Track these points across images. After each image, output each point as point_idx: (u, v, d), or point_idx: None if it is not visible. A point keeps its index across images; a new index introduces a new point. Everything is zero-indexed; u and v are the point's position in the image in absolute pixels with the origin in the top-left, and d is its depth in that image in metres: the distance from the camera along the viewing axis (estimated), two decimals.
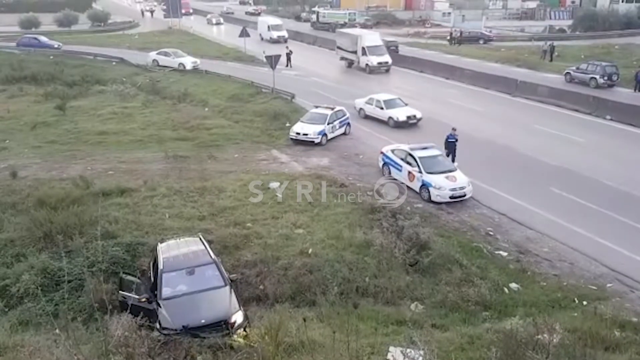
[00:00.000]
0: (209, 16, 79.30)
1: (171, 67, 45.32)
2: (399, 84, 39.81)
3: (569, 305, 14.27)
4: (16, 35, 66.88)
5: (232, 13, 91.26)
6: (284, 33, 61.87)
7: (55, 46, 51.11)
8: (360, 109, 31.64)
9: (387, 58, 45.06)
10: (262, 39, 62.28)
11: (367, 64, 44.49)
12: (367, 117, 30.95)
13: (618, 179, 21.67)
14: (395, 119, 29.48)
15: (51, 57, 52.03)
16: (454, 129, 23.81)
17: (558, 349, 9.76)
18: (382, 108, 30.37)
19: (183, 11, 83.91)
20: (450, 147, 23.35)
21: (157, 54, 47.17)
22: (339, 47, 48.43)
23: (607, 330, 11.79)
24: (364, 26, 70.61)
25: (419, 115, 29.94)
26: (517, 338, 10.31)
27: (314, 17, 74.42)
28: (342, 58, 47.83)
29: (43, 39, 52.31)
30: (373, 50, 44.68)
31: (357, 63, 45.73)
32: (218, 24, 78.86)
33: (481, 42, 60.09)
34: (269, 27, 62.70)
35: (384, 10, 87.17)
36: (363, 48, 44.67)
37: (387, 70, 45.16)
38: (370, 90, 35.03)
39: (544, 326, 10.51)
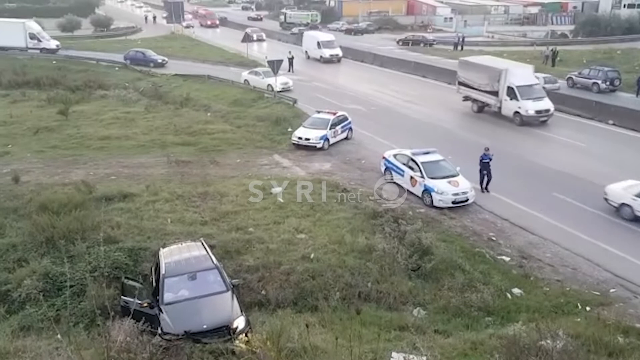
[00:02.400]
0: (249, 30, 63.04)
1: (260, 88, 39.30)
2: (401, 89, 39.82)
3: (572, 311, 14.22)
4: None
5: (225, 18, 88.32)
6: (338, 51, 52.85)
7: (159, 61, 49.57)
8: None
9: (546, 104, 31.06)
10: (308, 57, 54.15)
11: (517, 112, 30.77)
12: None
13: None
14: None
15: (54, 62, 52.22)
16: (487, 149, 21.72)
17: (561, 355, 9.72)
18: None
19: (209, 22, 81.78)
20: (485, 167, 21.47)
21: (249, 73, 41.59)
22: (461, 83, 34.55)
23: (610, 336, 11.72)
24: (349, 31, 74.25)
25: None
26: (520, 344, 10.28)
27: (282, 17, 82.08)
28: (468, 98, 34.26)
29: (148, 52, 50.30)
30: (525, 92, 30.86)
31: (496, 107, 31.95)
32: (260, 40, 65.53)
33: (421, 45, 63.30)
34: (319, 43, 52.92)
35: (386, 16, 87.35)
36: (510, 88, 31.02)
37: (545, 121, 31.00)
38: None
39: (547, 332, 10.49)
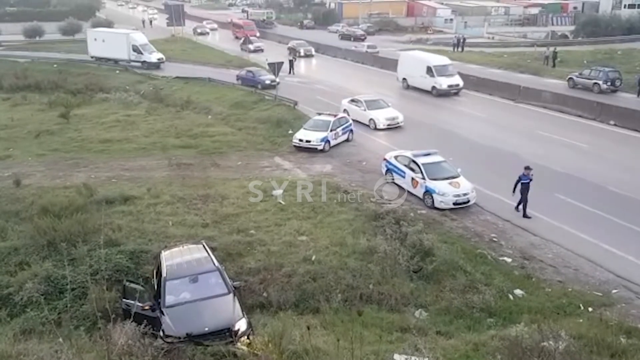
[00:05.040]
0: (294, 44, 58.52)
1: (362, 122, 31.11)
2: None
3: (574, 312, 14.17)
4: (20, 45, 67.52)
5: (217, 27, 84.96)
6: (458, 80, 38.52)
7: (267, 82, 40.28)
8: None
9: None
10: (407, 86, 40.33)
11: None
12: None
13: (622, 184, 21.58)
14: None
15: (55, 65, 52.33)
16: (527, 168, 19.60)
17: (564, 356, 9.69)
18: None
19: (248, 35, 67.44)
20: (524, 190, 19.48)
21: (350, 102, 32.39)
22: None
23: (613, 337, 11.69)
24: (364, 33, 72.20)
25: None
26: (523, 345, 10.25)
27: (247, 15, 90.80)
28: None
29: (258, 73, 41.75)
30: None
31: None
32: (308, 55, 57.04)
33: (352, 39, 67.03)
34: (431, 69, 38.19)
35: (386, 17, 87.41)
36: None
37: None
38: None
39: (550, 333, 10.46)
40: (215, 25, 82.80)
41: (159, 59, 52.33)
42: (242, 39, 65.11)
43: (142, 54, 52.03)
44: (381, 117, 30.32)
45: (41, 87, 42.73)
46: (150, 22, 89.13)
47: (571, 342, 10.50)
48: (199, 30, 78.47)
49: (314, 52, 57.66)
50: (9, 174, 23.76)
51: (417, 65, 39.40)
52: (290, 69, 46.56)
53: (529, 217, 19.56)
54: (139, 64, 51.80)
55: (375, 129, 29.99)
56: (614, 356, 11.10)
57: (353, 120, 29.84)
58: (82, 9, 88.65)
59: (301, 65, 51.93)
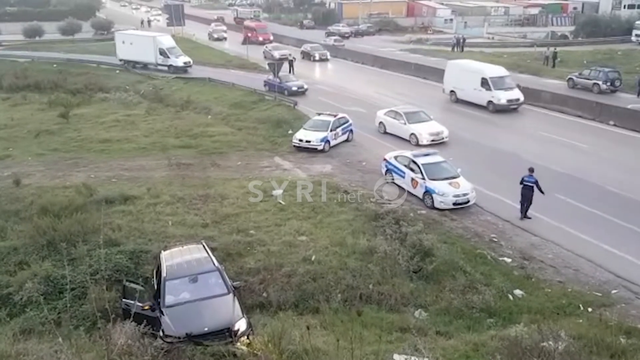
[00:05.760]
0: (307, 47, 55.44)
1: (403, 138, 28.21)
2: (403, 90, 39.83)
3: (574, 312, 14.18)
4: (20, 44, 67.45)
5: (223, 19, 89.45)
6: (518, 94, 33.67)
7: (294, 89, 38.34)
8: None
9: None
10: (456, 99, 35.80)
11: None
12: None
13: (622, 185, 21.59)
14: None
15: (54, 65, 52.32)
16: (531, 170, 19.44)
17: (563, 356, 9.69)
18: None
19: (260, 38, 64.94)
20: (528, 193, 19.25)
21: (387, 114, 29.59)
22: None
23: (612, 337, 11.69)
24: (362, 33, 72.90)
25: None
26: (522, 345, 10.25)
27: (234, 13, 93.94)
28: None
29: (285, 78, 39.46)
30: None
31: None
32: (323, 59, 54.15)
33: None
34: (486, 81, 33.44)
35: (386, 17, 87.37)
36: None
37: None
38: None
39: (549, 333, 10.47)
40: (225, 28, 77.30)
41: (185, 63, 49.86)
42: (260, 42, 62.27)
43: (168, 57, 49.62)
44: (424, 131, 27.30)
45: (41, 87, 42.75)
46: (149, 22, 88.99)
47: (571, 343, 10.51)
48: (215, 36, 72.41)
49: (329, 56, 54.93)
50: (9, 173, 23.76)
51: (469, 76, 34.75)
52: (289, 69, 46.52)
53: (529, 218, 19.53)
54: (165, 68, 49.64)
55: (417, 144, 26.81)
56: (613, 356, 11.11)
57: (390, 134, 28.00)
58: (82, 9, 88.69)
59: (316, 69, 49.63)
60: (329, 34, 70.74)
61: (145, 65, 51.16)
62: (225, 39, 70.71)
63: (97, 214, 18.00)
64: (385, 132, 29.02)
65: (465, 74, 35.43)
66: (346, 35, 71.12)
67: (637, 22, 60.89)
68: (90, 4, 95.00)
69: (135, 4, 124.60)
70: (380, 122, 29.51)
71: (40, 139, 29.84)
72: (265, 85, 40.16)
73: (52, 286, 14.79)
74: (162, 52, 49.87)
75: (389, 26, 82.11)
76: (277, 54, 52.44)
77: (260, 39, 64.94)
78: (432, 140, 27.07)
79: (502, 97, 32.95)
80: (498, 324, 13.68)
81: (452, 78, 36.37)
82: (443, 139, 27.48)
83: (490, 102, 33.24)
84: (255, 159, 26.29)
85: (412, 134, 27.51)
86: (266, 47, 53.97)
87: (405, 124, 27.99)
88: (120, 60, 52.65)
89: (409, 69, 47.20)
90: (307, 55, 54.03)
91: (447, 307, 14.49)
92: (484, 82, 33.53)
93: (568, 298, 14.89)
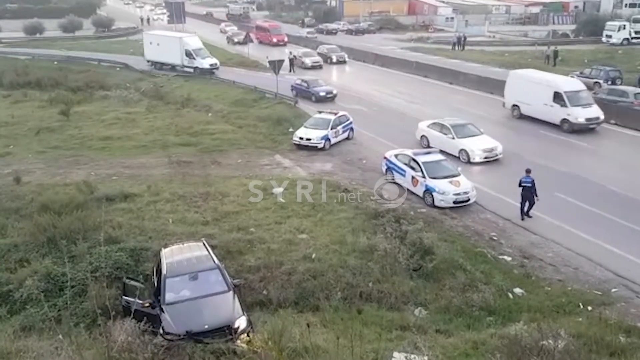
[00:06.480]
0: (324, 49, 52.67)
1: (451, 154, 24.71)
2: (404, 89, 39.82)
3: (574, 311, 14.19)
4: (21, 42, 67.44)
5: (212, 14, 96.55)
6: (597, 111, 28.95)
7: (322, 94, 35.76)
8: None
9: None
10: (520, 115, 31.15)
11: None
12: None
13: (622, 183, 21.56)
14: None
15: (55, 62, 52.29)
16: (528, 171, 19.24)
17: (563, 354, 9.69)
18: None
19: (274, 40, 62.41)
20: (527, 193, 19.09)
21: (430, 126, 26.61)
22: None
23: (612, 335, 11.70)
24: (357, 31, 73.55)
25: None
26: (522, 344, 10.25)
27: (227, 10, 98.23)
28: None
29: (313, 83, 36.99)
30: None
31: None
32: (340, 62, 51.38)
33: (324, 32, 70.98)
34: (560, 96, 28.79)
35: (387, 16, 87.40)
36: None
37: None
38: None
39: (549, 332, 10.46)
40: (236, 28, 72.87)
41: (211, 65, 47.51)
42: (274, 43, 60.48)
43: (194, 59, 47.39)
44: (476, 147, 24.24)
45: (41, 84, 42.68)
46: (148, 19, 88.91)
47: (570, 341, 10.51)
48: (235, 40, 64.66)
49: (347, 58, 51.84)
50: (9, 171, 23.75)
51: (538, 89, 30.08)
52: (290, 68, 46.54)
53: (530, 217, 19.44)
54: (191, 70, 47.63)
55: (468, 162, 24.08)
56: (613, 355, 11.12)
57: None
58: (83, 6, 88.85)
59: (333, 73, 46.93)
60: (304, 25, 72.55)
61: (173, 67, 49.26)
62: (246, 43, 59.01)
63: (97, 212, 17.98)
64: (429, 147, 25.48)
65: (532, 86, 30.59)
66: (333, 31, 73.11)
67: (608, 23, 61.24)
68: (91, 1, 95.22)
69: (139, 1, 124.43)
70: (423, 136, 26.53)
71: (41, 136, 29.82)
72: (292, 89, 38.05)
73: (53, 283, 14.77)
74: (188, 54, 47.62)
75: (390, 24, 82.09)
76: (308, 62, 48.98)
77: (274, 40, 61.97)
78: (486, 158, 24.24)
79: (580, 115, 28.29)
80: (498, 323, 13.68)
81: (516, 90, 31.62)
82: (497, 155, 24.57)
83: (565, 120, 28.56)
84: (255, 157, 26.29)
85: (461, 149, 24.52)
86: (291, 52, 50.83)
87: (453, 138, 24.95)
88: (148, 61, 50.85)
89: (410, 67, 47.21)
90: (323, 57, 51.13)
91: (447, 306, 14.49)
92: (558, 97, 28.83)
93: (568, 296, 14.90)
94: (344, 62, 51.58)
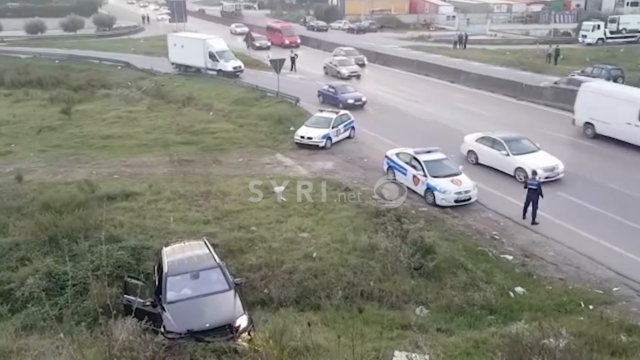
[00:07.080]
0: (342, 52, 48.98)
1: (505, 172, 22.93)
2: (405, 88, 39.79)
3: (575, 310, 14.18)
4: (22, 41, 67.44)
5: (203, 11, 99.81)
6: None
7: (350, 101, 33.30)
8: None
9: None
10: (594, 134, 27.22)
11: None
12: None
13: (624, 182, 21.53)
14: None
15: (56, 61, 52.29)
16: (534, 173, 19.31)
17: (564, 353, 9.68)
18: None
19: (287, 41, 59.90)
20: (532, 195, 18.76)
21: (479, 140, 24.09)
22: None
23: (613, 334, 11.71)
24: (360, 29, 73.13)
25: None
26: (523, 342, 10.24)
27: (221, 7, 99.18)
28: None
29: (341, 89, 34.80)
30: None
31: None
32: (359, 65, 46.92)
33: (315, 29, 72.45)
34: None
35: (389, 14, 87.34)
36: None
37: None
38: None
39: (550, 330, 10.45)
40: (246, 29, 67.93)
41: (235, 67, 45.66)
42: (286, 45, 57.28)
43: (218, 61, 45.65)
44: (535, 166, 21.27)
45: (43, 83, 42.69)
46: (148, 18, 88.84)
47: (572, 340, 10.49)
48: (257, 44, 58.08)
49: (366, 61, 49.06)
50: (11, 169, 23.76)
51: (619, 105, 25.80)
52: (291, 66, 46.49)
53: (537, 223, 18.88)
54: (214, 73, 45.91)
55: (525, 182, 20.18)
56: (614, 354, 11.12)
57: (487, 166, 23.22)
58: (84, 5, 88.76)
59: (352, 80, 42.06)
60: (305, 24, 76.08)
61: (198, 70, 47.45)
62: (268, 47, 57.36)
63: (98, 211, 17.97)
64: (477, 164, 23.59)
65: (611, 102, 26.29)
66: (324, 28, 74.63)
67: (584, 22, 61.65)
68: (93, 0, 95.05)
69: (143, 1, 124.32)
70: (470, 151, 24.14)
71: (42, 135, 29.83)
72: (319, 95, 36.10)
73: (54, 282, 14.79)
74: (212, 56, 45.90)
75: (391, 23, 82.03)
76: (345, 71, 43.50)
77: (287, 42, 59.56)
78: (547, 177, 21.27)
79: None
80: (499, 322, 13.68)
81: (590, 106, 27.15)
82: (558, 175, 22.12)
83: (612, 133, 25.95)
84: (256, 156, 26.28)
85: (518, 168, 22.03)
86: (292, 51, 48.91)
87: (508, 155, 22.51)
88: (172, 63, 49.40)
89: (411, 66, 47.17)
90: (344, 58, 47.34)
91: (448, 304, 14.50)
92: None
93: (569, 295, 14.89)
94: (363, 65, 48.06)
